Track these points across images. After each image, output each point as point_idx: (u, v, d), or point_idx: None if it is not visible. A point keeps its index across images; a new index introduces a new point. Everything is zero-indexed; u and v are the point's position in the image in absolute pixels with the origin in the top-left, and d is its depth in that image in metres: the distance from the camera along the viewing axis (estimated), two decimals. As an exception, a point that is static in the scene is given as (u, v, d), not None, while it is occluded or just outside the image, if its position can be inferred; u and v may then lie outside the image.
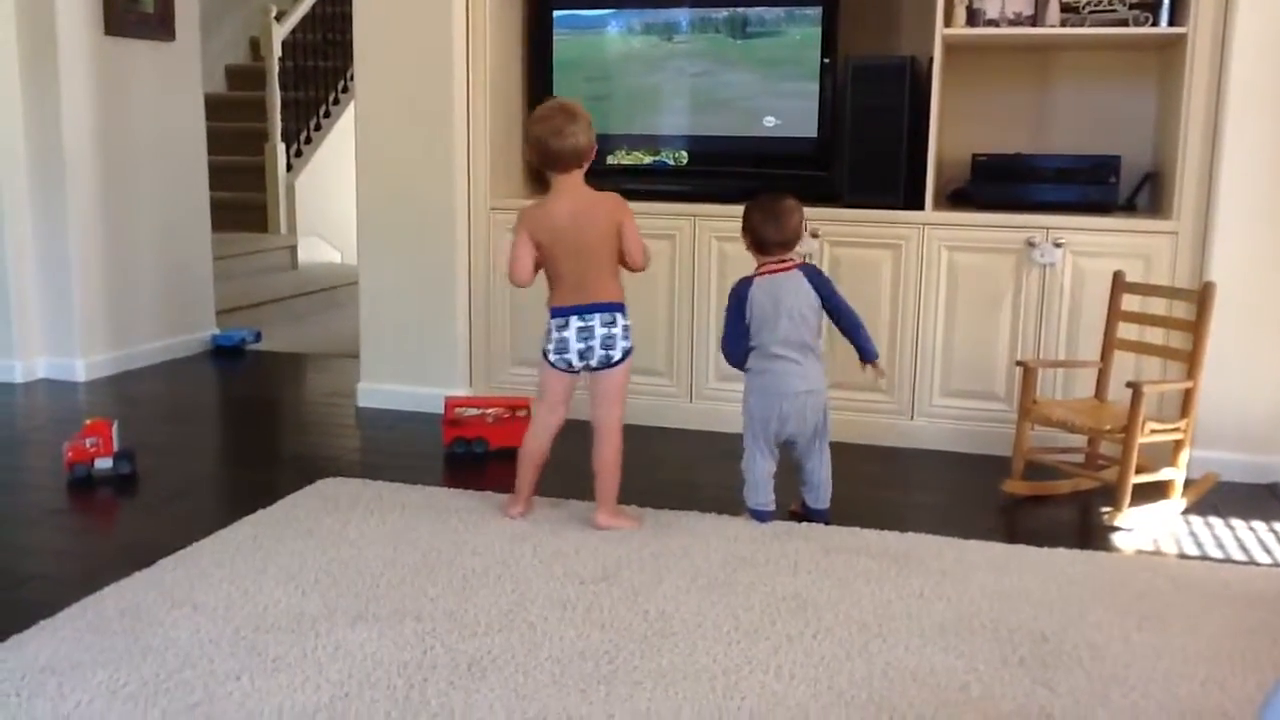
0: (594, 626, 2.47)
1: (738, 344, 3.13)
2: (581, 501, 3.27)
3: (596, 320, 3.00)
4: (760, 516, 3.14)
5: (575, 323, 3.01)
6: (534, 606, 2.56)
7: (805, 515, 3.20)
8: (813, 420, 3.12)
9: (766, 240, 3.10)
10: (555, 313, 3.04)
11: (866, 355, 3.16)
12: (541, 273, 3.08)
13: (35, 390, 4.75)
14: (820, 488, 3.18)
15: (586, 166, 3.00)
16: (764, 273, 3.11)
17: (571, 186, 2.99)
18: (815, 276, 3.12)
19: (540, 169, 3.04)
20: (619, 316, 3.02)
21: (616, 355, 3.03)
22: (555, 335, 3.04)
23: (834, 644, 2.40)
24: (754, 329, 3.10)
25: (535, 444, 3.14)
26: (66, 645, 2.35)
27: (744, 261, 3.77)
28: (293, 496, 3.30)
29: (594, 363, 3.03)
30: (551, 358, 3.06)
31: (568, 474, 3.46)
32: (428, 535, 3.00)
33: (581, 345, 3.01)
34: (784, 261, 3.11)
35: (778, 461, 3.16)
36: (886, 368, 3.40)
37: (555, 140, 2.92)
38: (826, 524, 3.14)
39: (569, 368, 3.06)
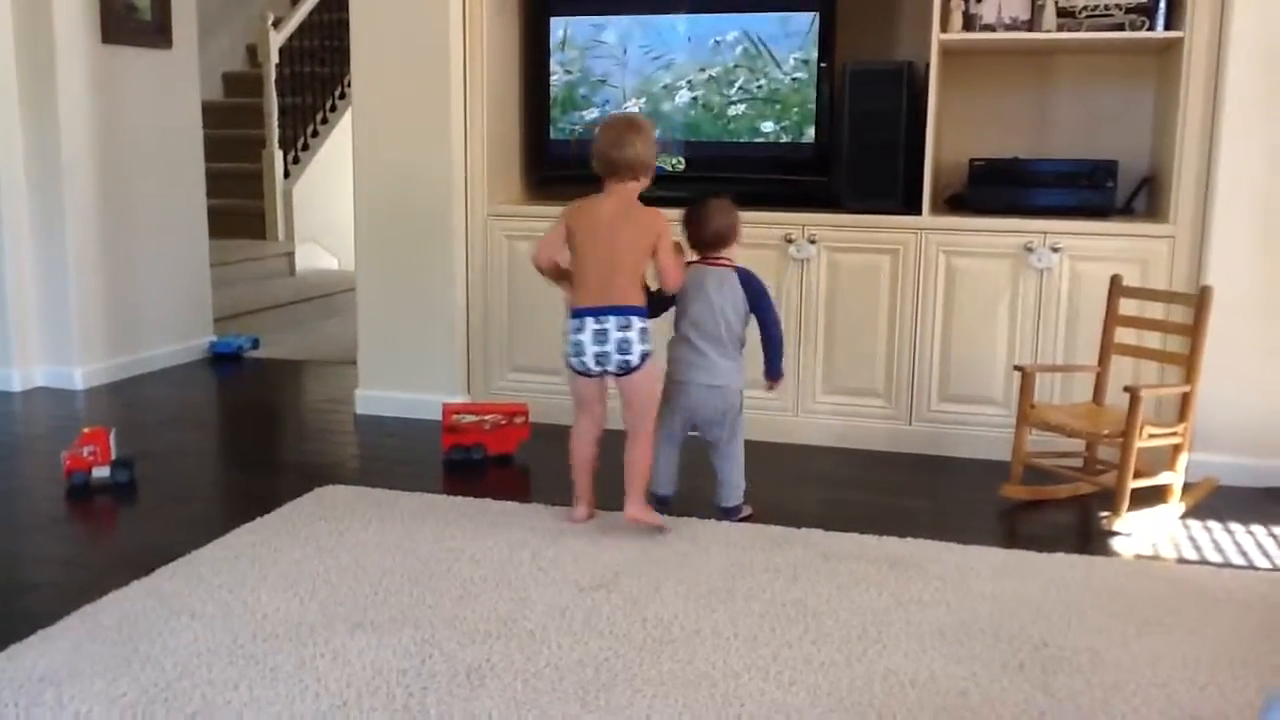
0: (593, 634, 2.46)
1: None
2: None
3: (612, 323, 3.00)
4: (656, 499, 3.24)
5: (590, 325, 3.01)
6: (533, 614, 2.56)
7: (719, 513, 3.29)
8: (714, 415, 3.19)
9: (691, 237, 3.23)
10: (573, 314, 3.05)
11: (771, 372, 3.21)
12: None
13: (33, 398, 4.74)
14: (723, 485, 3.24)
15: (646, 181, 3.08)
16: (697, 262, 3.22)
17: (622, 194, 3.05)
18: (750, 281, 3.19)
19: (600, 176, 3.08)
20: (635, 320, 3.01)
21: (634, 359, 3.01)
22: (571, 338, 3.04)
23: (833, 650, 2.40)
24: (676, 313, 3.22)
25: (577, 447, 3.19)
26: (65, 654, 2.34)
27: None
28: (291, 504, 3.30)
29: (611, 368, 3.03)
30: (570, 360, 3.07)
31: (562, 482, 3.46)
32: (426, 542, 3.00)
33: (598, 349, 3.01)
34: (719, 259, 3.20)
35: (680, 446, 3.27)
36: (786, 382, 3.46)
37: (615, 150, 3.01)
38: (732, 520, 3.21)
39: (587, 371, 3.05)
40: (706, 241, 3.20)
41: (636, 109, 4.19)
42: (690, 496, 3.43)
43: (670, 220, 4.01)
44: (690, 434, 3.27)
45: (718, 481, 3.25)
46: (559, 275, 3.13)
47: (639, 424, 3.09)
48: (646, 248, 3.03)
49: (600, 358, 3.01)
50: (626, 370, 3.03)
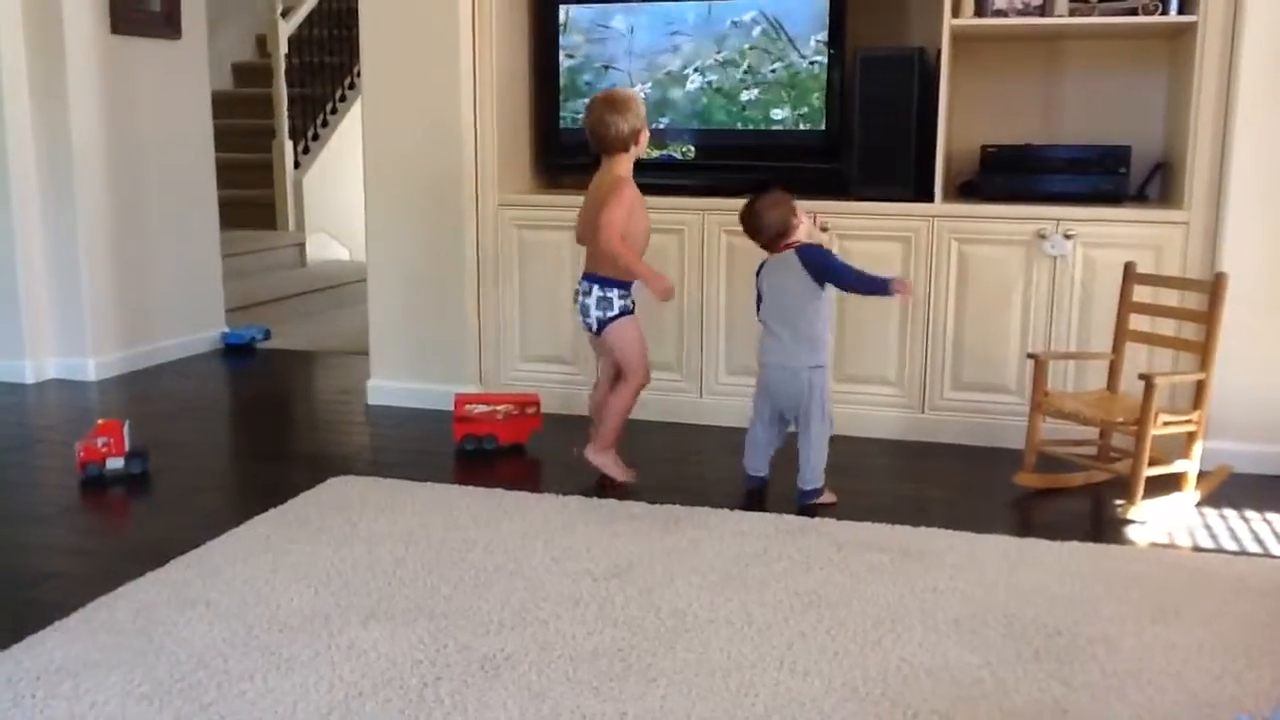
0: (607, 623, 2.46)
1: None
2: (588, 499, 3.28)
3: (582, 288, 3.37)
4: (746, 478, 3.38)
5: (579, 289, 3.38)
6: (546, 604, 2.56)
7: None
8: (790, 397, 3.25)
9: (754, 241, 3.32)
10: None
11: (882, 291, 3.22)
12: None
13: (46, 390, 4.76)
14: (802, 468, 3.27)
15: (636, 151, 3.31)
16: (769, 256, 3.31)
17: (606, 166, 3.32)
18: (808, 255, 3.21)
19: (594, 152, 3.34)
20: (595, 287, 3.32)
21: (592, 324, 3.36)
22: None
23: (847, 639, 2.40)
24: (757, 300, 3.35)
25: (594, 393, 3.56)
26: (80, 646, 2.35)
27: (753, 256, 3.77)
28: (304, 495, 3.30)
29: (585, 327, 3.40)
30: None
31: (574, 471, 3.46)
32: (439, 533, 3.00)
33: (578, 308, 3.39)
34: (785, 245, 3.26)
35: (779, 432, 3.37)
36: (911, 300, 3.62)
37: (599, 128, 3.26)
38: (801, 505, 3.23)
39: (586, 328, 3.41)
40: (768, 242, 3.27)
41: (644, 94, 4.18)
42: (701, 485, 3.43)
43: (687, 210, 4.03)
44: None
45: (798, 464, 3.29)
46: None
47: (626, 374, 3.38)
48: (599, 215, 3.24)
49: (579, 316, 3.39)
50: (593, 330, 3.37)
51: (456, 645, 2.36)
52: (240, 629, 2.43)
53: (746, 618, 2.50)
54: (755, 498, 3.32)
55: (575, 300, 3.41)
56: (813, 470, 3.25)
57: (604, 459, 3.41)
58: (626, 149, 3.28)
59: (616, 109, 3.24)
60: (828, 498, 3.27)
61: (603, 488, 3.40)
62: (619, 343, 3.36)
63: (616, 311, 3.33)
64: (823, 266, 3.20)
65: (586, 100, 4.15)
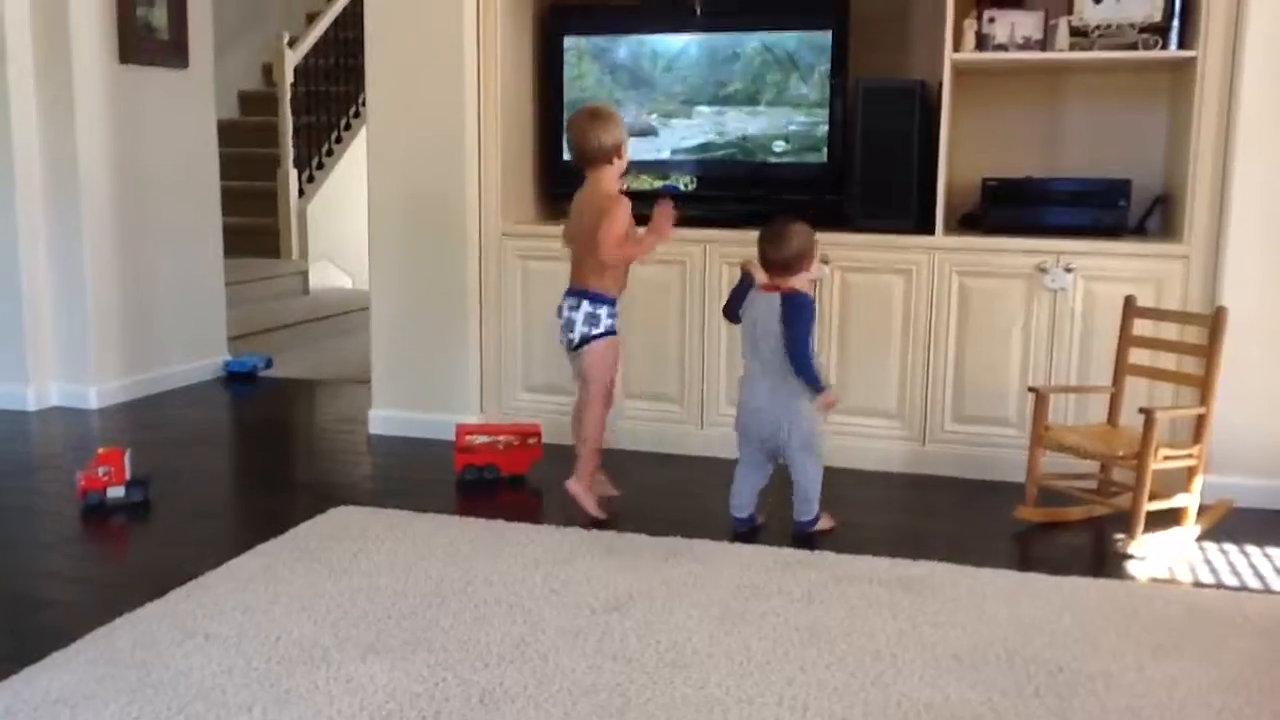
0: (606, 657, 2.46)
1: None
2: (588, 531, 3.27)
3: (567, 303, 3.38)
4: (732, 519, 3.35)
5: (561, 305, 3.40)
6: (546, 637, 2.56)
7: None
8: (766, 440, 3.26)
9: (765, 258, 3.26)
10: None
11: (813, 387, 3.20)
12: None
13: (48, 418, 4.77)
14: (796, 501, 3.29)
15: (619, 164, 3.36)
16: (760, 288, 3.27)
17: (593, 180, 3.37)
18: (787, 301, 3.19)
19: (579, 168, 3.39)
20: (584, 303, 3.34)
21: (575, 338, 3.36)
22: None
23: (847, 674, 2.39)
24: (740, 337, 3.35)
25: (574, 418, 3.55)
26: (79, 676, 2.35)
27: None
28: (304, 525, 3.30)
29: (565, 344, 3.41)
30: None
31: (575, 503, 3.46)
32: (439, 564, 3.00)
33: (561, 324, 3.41)
34: (778, 285, 3.23)
35: (765, 472, 3.35)
36: (836, 397, 3.42)
37: (581, 141, 3.32)
38: (798, 536, 3.26)
39: (563, 346, 3.44)
40: (780, 264, 3.21)
41: (649, 127, 4.21)
42: (701, 517, 3.43)
43: (689, 241, 4.05)
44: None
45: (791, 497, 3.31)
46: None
47: (583, 393, 3.43)
48: (596, 228, 3.26)
49: (561, 332, 3.41)
50: (572, 346, 3.37)
51: (456, 678, 2.36)
52: (239, 660, 2.43)
53: (746, 652, 2.49)
54: (748, 536, 3.28)
55: (559, 314, 3.41)
56: (806, 502, 3.27)
57: (579, 489, 3.42)
58: (610, 161, 3.32)
59: (599, 122, 3.30)
60: (825, 523, 3.29)
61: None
62: (595, 361, 3.38)
63: (602, 330, 3.36)
64: (791, 320, 3.16)
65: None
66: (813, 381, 3.19)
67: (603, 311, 3.35)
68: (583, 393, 3.46)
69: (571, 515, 3.41)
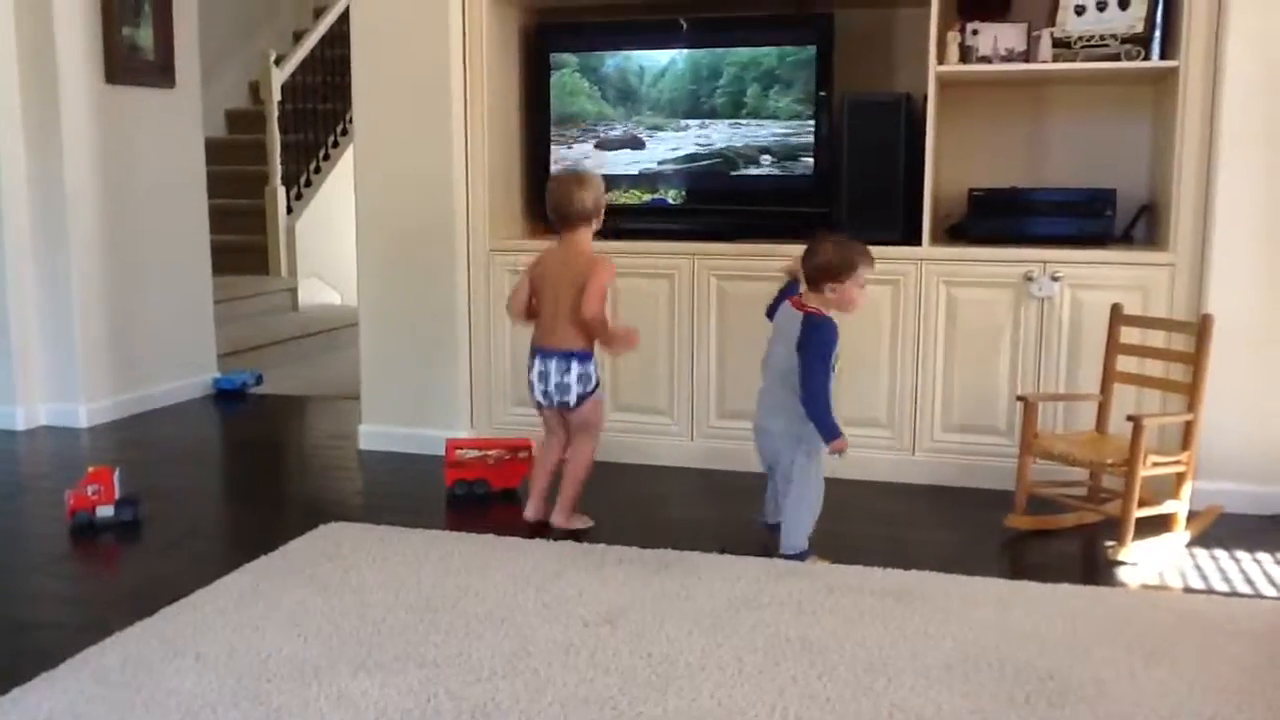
0: (598, 670, 2.46)
1: None
2: (579, 544, 3.27)
3: (552, 366, 3.36)
4: (765, 526, 3.34)
5: (537, 365, 3.39)
6: (537, 651, 2.55)
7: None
8: (767, 456, 3.24)
9: (804, 263, 3.14)
10: (531, 350, 3.43)
11: (825, 434, 3.07)
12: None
13: (37, 437, 4.75)
14: (783, 532, 3.16)
15: (596, 225, 3.41)
16: (790, 300, 3.20)
17: (572, 241, 3.39)
18: (806, 324, 3.08)
19: (554, 225, 3.44)
20: (574, 364, 3.34)
21: (571, 400, 3.36)
22: (529, 373, 3.43)
23: (839, 685, 2.39)
24: None
25: (542, 456, 3.58)
26: (69, 697, 2.34)
27: (743, 300, 3.81)
28: (295, 542, 3.29)
29: (554, 404, 3.40)
30: (530, 393, 3.47)
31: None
32: (430, 580, 2.99)
33: (543, 386, 3.39)
34: (808, 305, 3.12)
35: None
36: (849, 443, 3.16)
37: (565, 203, 3.37)
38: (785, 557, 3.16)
39: (539, 403, 3.43)
40: (807, 276, 3.12)
41: (636, 139, 4.22)
42: (691, 529, 3.43)
43: (677, 254, 4.06)
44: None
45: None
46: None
47: (578, 440, 3.47)
48: (581, 287, 3.29)
49: (545, 394, 3.38)
50: (565, 406, 3.38)
51: (447, 694, 2.35)
52: (229, 679, 2.42)
53: (738, 663, 2.49)
54: (752, 545, 3.27)
55: (540, 380, 3.37)
56: (790, 535, 3.13)
57: (572, 520, 3.47)
58: (589, 222, 3.38)
59: (582, 185, 3.37)
60: (811, 563, 3.11)
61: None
62: (593, 415, 3.45)
63: (594, 384, 3.40)
64: (804, 344, 3.04)
65: (588, 149, 4.25)
66: (819, 420, 3.05)
67: (591, 369, 3.38)
68: (576, 436, 3.46)
69: (560, 532, 3.41)
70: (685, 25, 4.18)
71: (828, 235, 3.18)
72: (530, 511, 3.51)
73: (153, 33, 5.16)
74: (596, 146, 4.29)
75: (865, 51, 4.19)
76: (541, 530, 3.45)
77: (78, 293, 4.86)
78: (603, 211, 3.43)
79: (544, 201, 4.41)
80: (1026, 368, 3.81)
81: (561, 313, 3.33)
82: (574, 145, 4.32)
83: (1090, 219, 3.85)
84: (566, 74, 4.31)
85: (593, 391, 3.38)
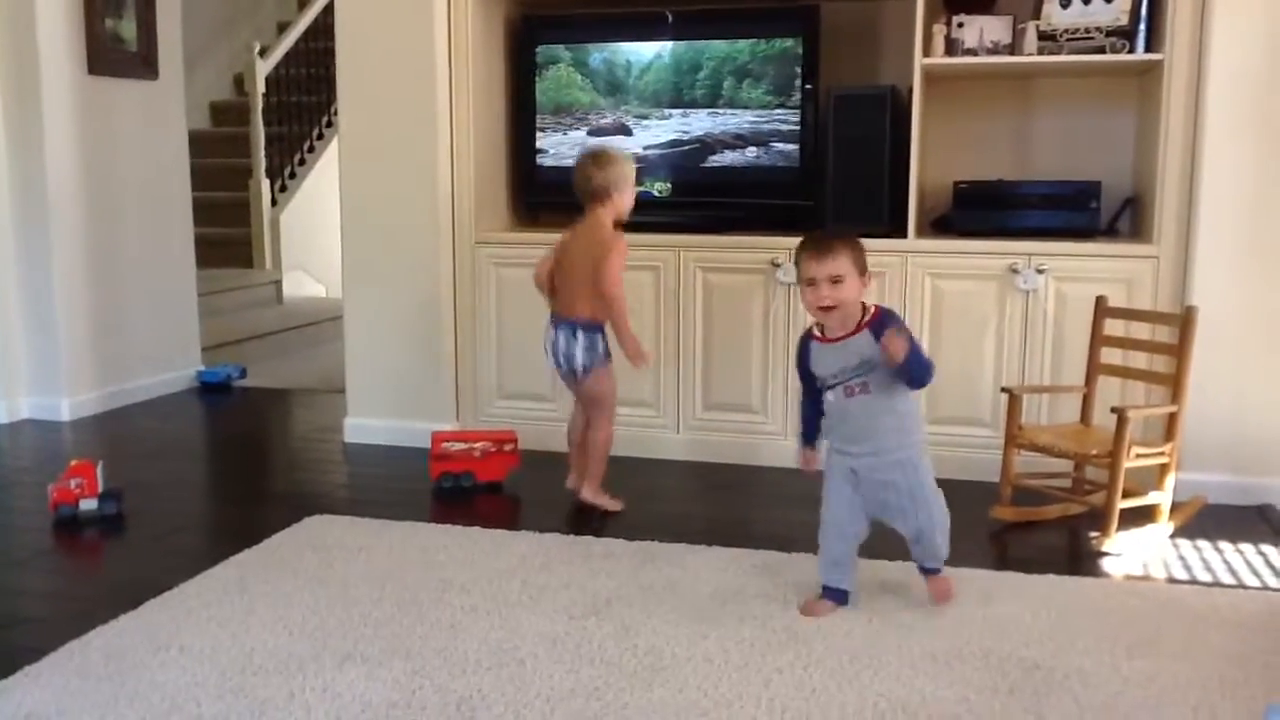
0: (584, 662, 2.46)
1: None
2: (565, 536, 3.27)
3: (562, 336, 3.45)
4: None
5: (550, 334, 3.50)
6: (523, 643, 2.55)
7: None
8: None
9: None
10: (549, 319, 3.52)
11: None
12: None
13: (20, 431, 4.72)
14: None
15: (612, 203, 3.44)
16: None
17: (590, 218, 3.46)
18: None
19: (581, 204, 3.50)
20: (580, 332, 3.42)
21: (577, 367, 3.45)
22: (544, 341, 3.53)
23: (825, 676, 2.40)
24: None
25: (571, 427, 3.68)
26: (52, 691, 2.32)
27: (730, 292, 3.80)
28: (279, 535, 3.28)
29: (566, 370, 3.49)
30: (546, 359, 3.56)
31: (552, 509, 3.46)
32: (416, 572, 2.98)
33: (554, 353, 3.49)
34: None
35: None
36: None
37: (582, 182, 3.45)
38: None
39: (556, 366, 3.51)
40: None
41: (624, 128, 4.22)
42: (678, 521, 3.43)
43: (663, 246, 4.05)
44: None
45: None
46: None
47: (594, 416, 3.54)
48: (594, 261, 3.37)
49: (556, 360, 3.49)
50: (574, 374, 3.47)
51: (433, 686, 2.35)
52: (214, 672, 2.41)
53: (724, 655, 2.49)
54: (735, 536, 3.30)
55: (550, 346, 3.49)
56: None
57: (599, 496, 3.55)
58: (604, 200, 3.42)
59: (599, 164, 3.42)
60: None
61: (581, 519, 3.47)
62: (600, 387, 3.50)
63: (601, 356, 3.46)
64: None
65: (573, 141, 4.24)
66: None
67: (598, 339, 3.45)
68: (590, 412, 3.56)
69: (547, 521, 3.40)
70: (670, 18, 4.17)
71: (832, 232, 2.79)
72: (571, 480, 3.65)
73: (135, 24, 5.13)
74: (589, 134, 4.29)
75: (851, 44, 4.19)
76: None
77: (60, 285, 4.83)
78: (626, 192, 3.45)
79: (529, 194, 4.45)
80: (1011, 360, 3.82)
81: (574, 286, 3.42)
82: (569, 133, 4.32)
83: (1075, 211, 3.86)
84: (561, 68, 4.31)
85: (599, 364, 3.45)
